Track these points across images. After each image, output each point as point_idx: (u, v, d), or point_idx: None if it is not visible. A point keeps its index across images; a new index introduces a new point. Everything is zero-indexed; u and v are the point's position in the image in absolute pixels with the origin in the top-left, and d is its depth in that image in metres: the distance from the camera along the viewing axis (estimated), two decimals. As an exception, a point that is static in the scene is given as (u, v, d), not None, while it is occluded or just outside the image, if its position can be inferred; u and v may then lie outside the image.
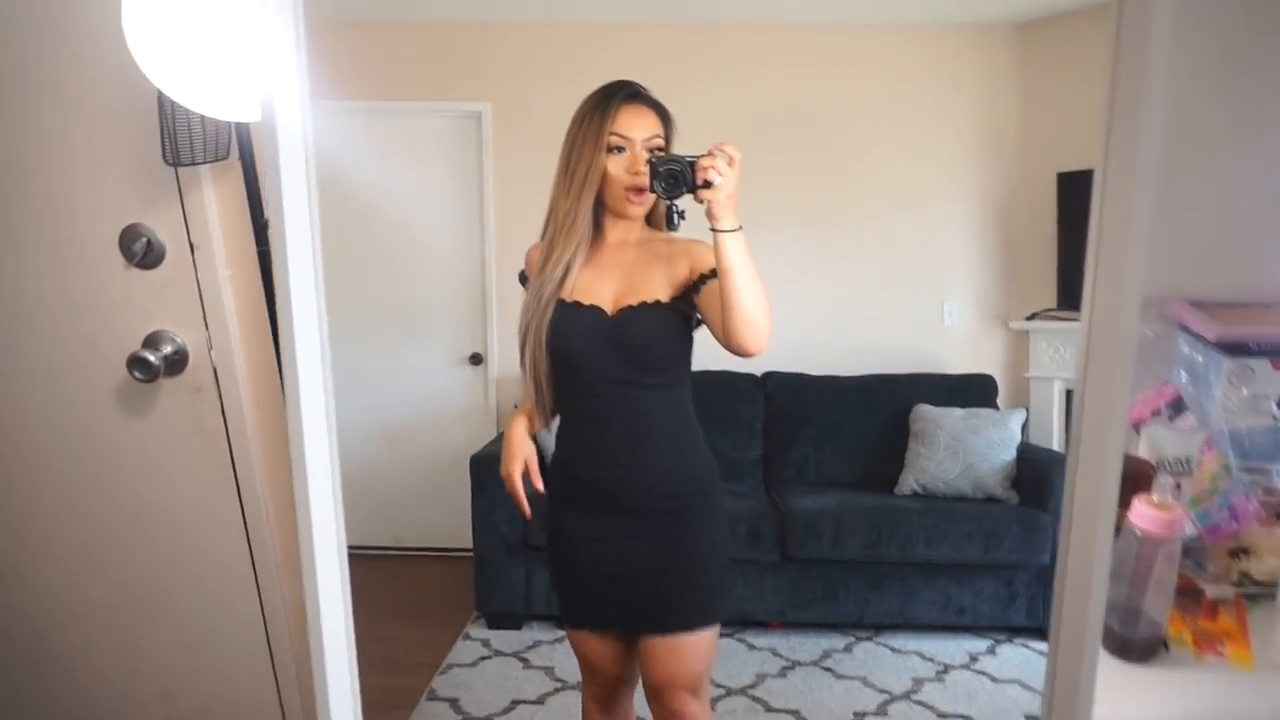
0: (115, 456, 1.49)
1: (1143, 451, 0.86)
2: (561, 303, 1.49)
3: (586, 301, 1.50)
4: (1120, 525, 0.76)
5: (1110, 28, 0.62)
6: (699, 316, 1.50)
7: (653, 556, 1.51)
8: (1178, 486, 0.91)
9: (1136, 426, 0.85)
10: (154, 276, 1.41)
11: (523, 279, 1.61)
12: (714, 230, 1.27)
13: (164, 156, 1.30)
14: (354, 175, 4.03)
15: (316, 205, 0.66)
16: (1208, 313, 0.83)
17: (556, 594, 1.65)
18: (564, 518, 1.57)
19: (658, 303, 1.48)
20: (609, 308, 1.49)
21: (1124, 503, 0.76)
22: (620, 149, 1.46)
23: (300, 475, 0.76)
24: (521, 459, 1.58)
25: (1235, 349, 0.81)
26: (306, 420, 0.70)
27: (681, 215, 1.50)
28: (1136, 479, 0.80)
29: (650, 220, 1.59)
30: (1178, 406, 0.94)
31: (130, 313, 1.42)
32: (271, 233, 0.71)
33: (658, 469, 1.51)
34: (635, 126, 1.46)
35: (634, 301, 1.48)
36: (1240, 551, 0.84)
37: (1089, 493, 0.70)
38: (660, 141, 1.49)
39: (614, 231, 1.55)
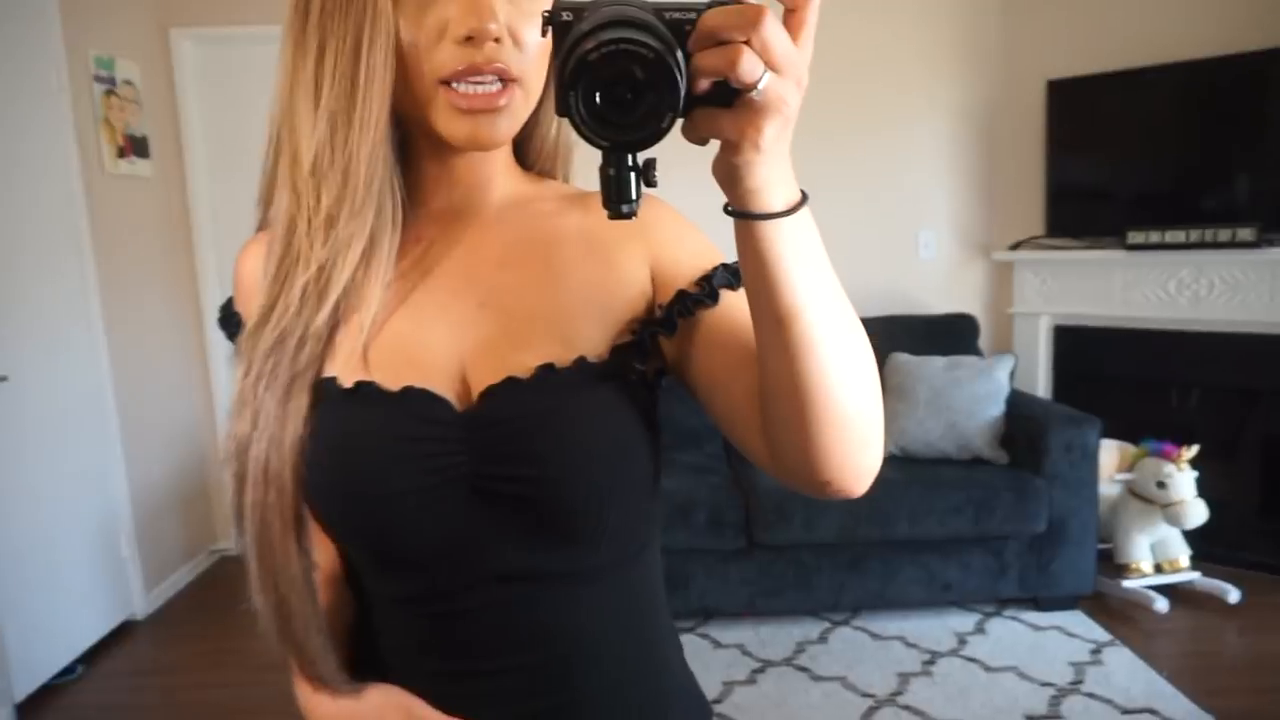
0: None
1: None
2: (331, 389, 0.63)
3: (393, 384, 0.63)
4: None
5: None
6: (675, 378, 0.69)
7: None
8: None
9: None
10: None
11: (229, 324, 0.71)
12: (743, 216, 0.48)
13: None
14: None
15: None
16: None
17: None
18: None
19: (579, 362, 0.63)
20: (456, 391, 0.64)
21: None
22: None
23: None
24: None
25: None
26: None
27: (646, 175, 0.47)
28: None
29: (524, 157, 0.73)
30: None
31: None
32: None
33: None
34: None
35: (522, 368, 0.63)
36: None
37: None
38: None
39: (447, 186, 0.68)
